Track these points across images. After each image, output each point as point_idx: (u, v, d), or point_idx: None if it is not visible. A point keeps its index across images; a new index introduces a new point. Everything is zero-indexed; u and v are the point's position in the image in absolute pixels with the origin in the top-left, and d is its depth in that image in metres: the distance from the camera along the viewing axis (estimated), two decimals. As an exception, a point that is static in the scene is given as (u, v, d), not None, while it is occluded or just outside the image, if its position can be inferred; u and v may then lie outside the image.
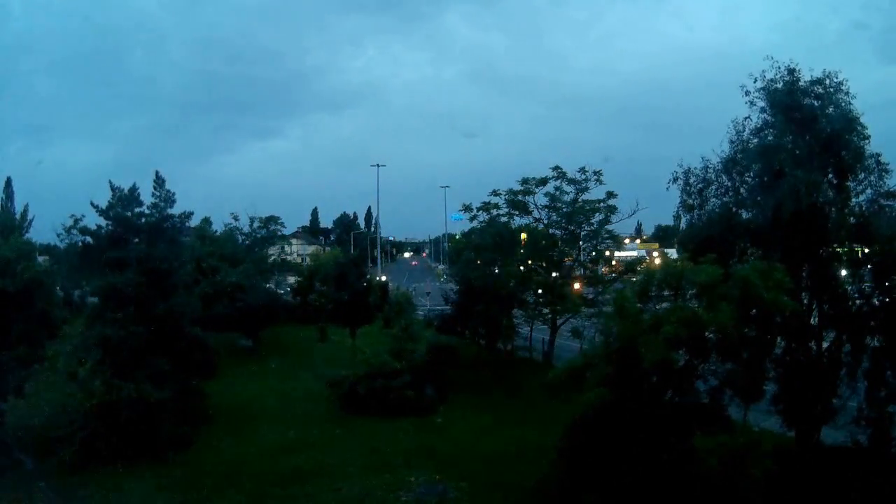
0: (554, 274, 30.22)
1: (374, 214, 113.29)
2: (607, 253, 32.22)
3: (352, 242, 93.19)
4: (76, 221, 23.31)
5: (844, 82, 15.62)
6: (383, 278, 69.26)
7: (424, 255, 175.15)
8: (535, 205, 30.02)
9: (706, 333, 14.04)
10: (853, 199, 15.98)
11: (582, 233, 30.62)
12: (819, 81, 15.73)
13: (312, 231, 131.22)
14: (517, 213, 30.36)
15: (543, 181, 29.28)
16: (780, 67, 15.81)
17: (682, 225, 20.13)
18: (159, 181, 22.01)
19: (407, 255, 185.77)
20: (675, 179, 17.58)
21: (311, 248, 79.86)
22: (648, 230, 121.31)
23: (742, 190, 16.86)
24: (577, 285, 31.90)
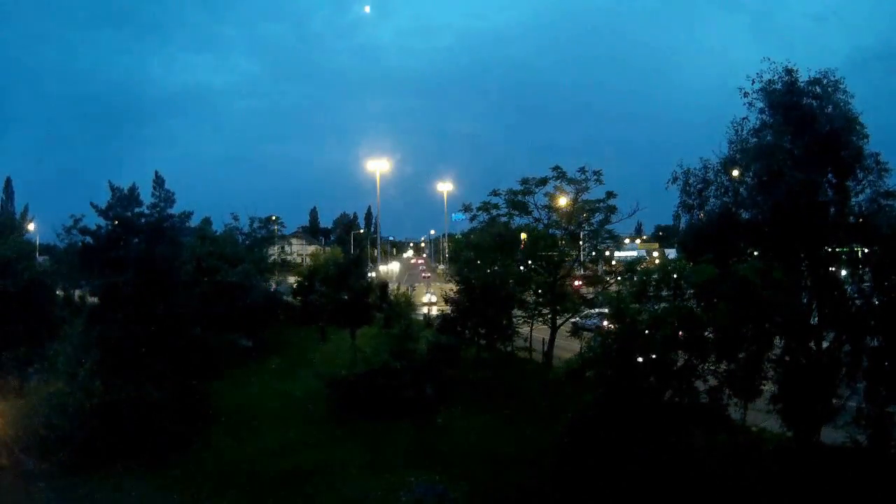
0: (554, 274, 30.17)
1: (375, 214, 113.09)
2: (607, 253, 32.19)
3: (352, 242, 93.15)
4: (76, 221, 23.30)
5: (842, 81, 15.66)
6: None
7: (424, 255, 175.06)
8: (535, 205, 30.02)
9: (705, 333, 14.07)
10: (852, 199, 15.98)
11: (582, 233, 30.60)
12: (817, 81, 15.76)
13: (312, 231, 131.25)
14: (517, 213, 30.33)
15: (543, 181, 29.24)
16: (777, 68, 15.85)
17: (682, 225, 20.14)
18: (159, 181, 22.03)
19: (407, 254, 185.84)
20: (675, 179, 17.59)
21: (310, 248, 79.81)
22: (648, 230, 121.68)
23: (741, 190, 16.88)
24: (577, 283, 31.90)
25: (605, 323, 16.28)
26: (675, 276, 14.83)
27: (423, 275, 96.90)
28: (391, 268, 64.66)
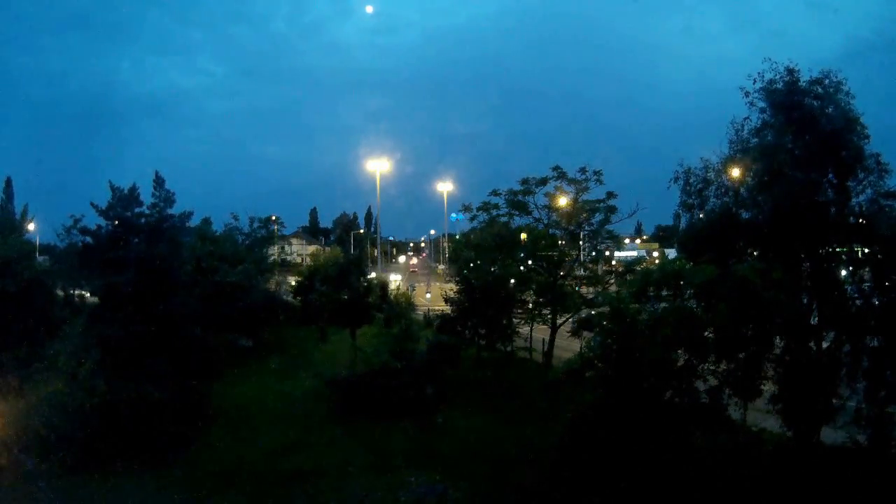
0: (554, 274, 30.18)
1: (375, 214, 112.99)
2: (607, 253, 32.20)
3: (352, 243, 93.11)
4: (76, 221, 23.33)
5: (844, 82, 15.68)
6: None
7: (424, 255, 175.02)
8: (535, 205, 30.04)
9: (705, 333, 14.07)
10: (853, 199, 16.00)
11: (582, 233, 30.63)
12: (819, 81, 15.78)
13: (312, 231, 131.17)
14: (517, 213, 30.35)
15: (543, 181, 29.27)
16: (779, 68, 15.87)
17: (682, 225, 20.18)
18: (159, 181, 22.02)
19: (405, 257, 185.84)
20: (676, 179, 17.63)
21: (310, 248, 79.75)
22: (649, 230, 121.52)
23: (742, 190, 16.89)
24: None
25: (605, 323, 16.27)
26: (675, 276, 14.83)
27: (413, 270, 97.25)
28: (392, 278, 63.84)
